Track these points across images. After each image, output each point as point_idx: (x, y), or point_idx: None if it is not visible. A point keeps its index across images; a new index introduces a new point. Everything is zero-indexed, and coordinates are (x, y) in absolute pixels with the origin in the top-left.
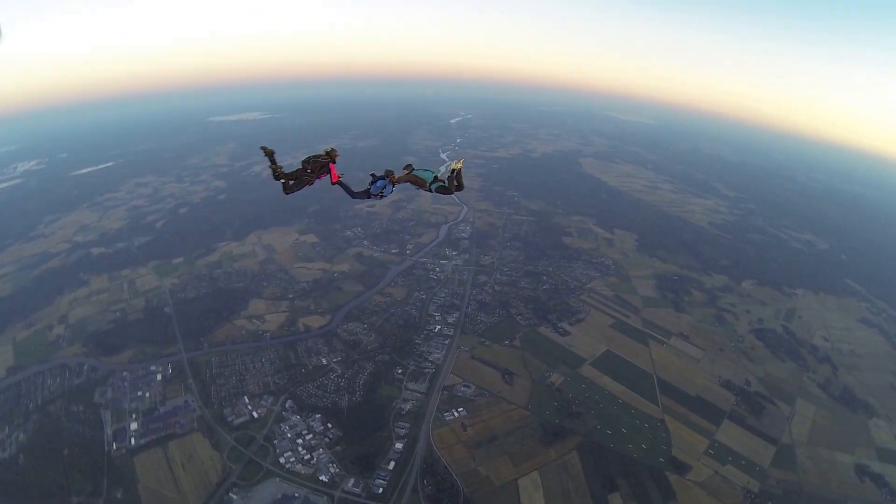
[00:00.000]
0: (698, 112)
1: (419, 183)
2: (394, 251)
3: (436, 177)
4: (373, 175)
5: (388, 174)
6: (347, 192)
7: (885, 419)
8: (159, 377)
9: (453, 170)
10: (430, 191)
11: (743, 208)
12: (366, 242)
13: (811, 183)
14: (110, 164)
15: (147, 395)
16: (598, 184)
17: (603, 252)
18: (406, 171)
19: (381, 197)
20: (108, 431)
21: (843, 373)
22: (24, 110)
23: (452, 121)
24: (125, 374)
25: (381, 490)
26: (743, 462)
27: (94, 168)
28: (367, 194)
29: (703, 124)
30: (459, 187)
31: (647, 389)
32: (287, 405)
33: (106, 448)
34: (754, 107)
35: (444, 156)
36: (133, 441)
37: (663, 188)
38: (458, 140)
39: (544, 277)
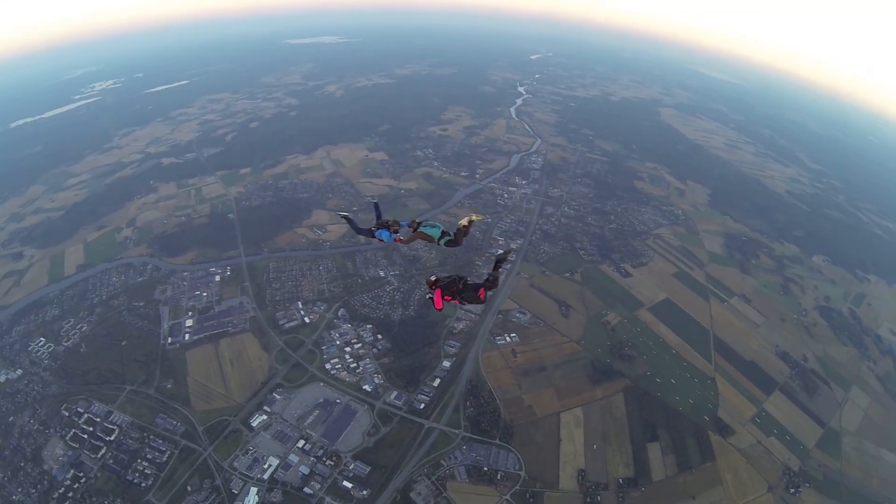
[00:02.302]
0: (791, 79)
1: (428, 239)
2: (463, 174)
3: (443, 231)
4: (375, 204)
5: (393, 224)
6: (353, 227)
7: None
8: (217, 278)
9: (463, 225)
10: (439, 244)
11: (825, 183)
12: (435, 163)
13: None
14: (184, 82)
15: (204, 294)
16: (675, 135)
17: (673, 201)
18: (413, 229)
19: (381, 241)
20: (165, 326)
21: None
22: (102, 35)
23: (532, 57)
24: (185, 273)
25: (422, 406)
26: (787, 437)
27: (168, 86)
28: (370, 233)
29: (795, 92)
30: (465, 235)
31: (702, 345)
32: (339, 313)
33: (161, 342)
34: (853, 83)
35: (521, 89)
36: (187, 336)
37: (744, 149)
38: (537, 75)
39: (612, 217)
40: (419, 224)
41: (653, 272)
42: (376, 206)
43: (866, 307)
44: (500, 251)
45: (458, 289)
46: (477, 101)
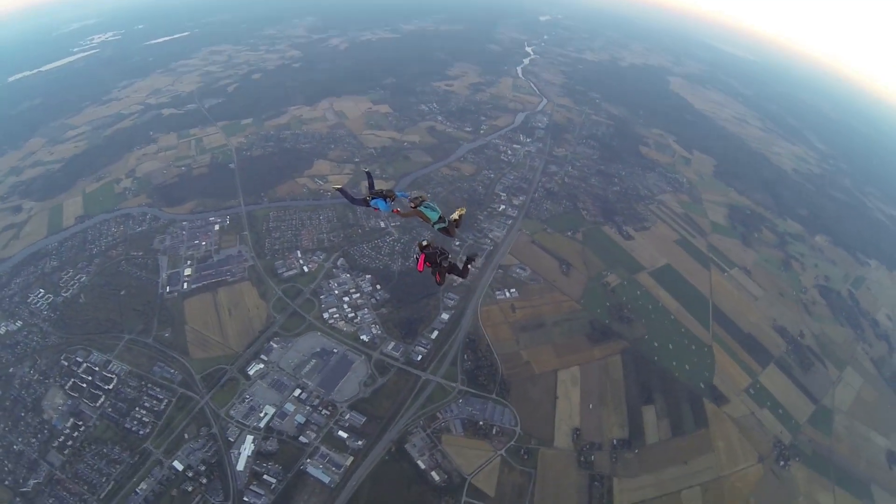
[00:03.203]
0: (806, 59)
1: (424, 218)
2: (467, 129)
3: (441, 217)
4: (368, 173)
5: (388, 194)
6: (347, 199)
7: None
8: (217, 227)
9: (454, 219)
10: (432, 228)
11: (832, 164)
12: (440, 118)
13: None
14: (186, 33)
15: (203, 243)
16: (684, 104)
17: (678, 169)
18: (413, 205)
19: (377, 210)
20: (163, 276)
21: None
22: None
23: (542, 18)
24: (184, 223)
25: (419, 357)
26: (780, 411)
27: (169, 38)
28: (365, 203)
29: (808, 73)
30: (457, 227)
31: (701, 313)
32: (339, 263)
33: (159, 291)
34: (871, 69)
35: (529, 49)
36: (185, 285)
37: (752, 123)
38: (546, 37)
39: (615, 180)
40: (420, 202)
41: (655, 237)
42: (369, 175)
43: (865, 291)
44: (475, 254)
45: (436, 262)
46: (483, 59)
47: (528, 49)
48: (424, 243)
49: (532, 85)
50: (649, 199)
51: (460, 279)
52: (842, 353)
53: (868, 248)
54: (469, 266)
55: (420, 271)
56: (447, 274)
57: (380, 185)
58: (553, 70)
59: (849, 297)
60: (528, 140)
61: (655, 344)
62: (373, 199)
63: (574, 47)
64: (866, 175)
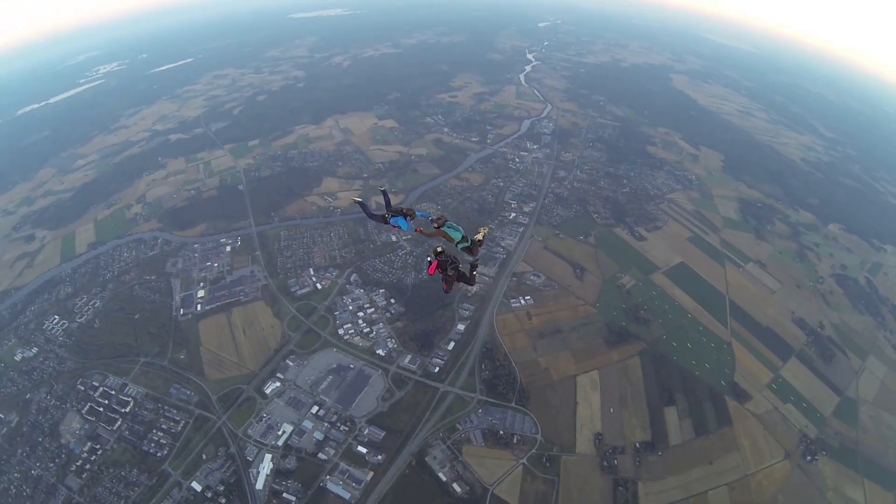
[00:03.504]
0: (806, 48)
1: (448, 238)
2: (474, 139)
3: (464, 236)
4: (384, 192)
5: (409, 212)
6: (366, 212)
7: None
8: (228, 249)
9: (478, 239)
10: (456, 248)
11: (840, 151)
12: (445, 129)
13: None
14: (189, 60)
15: (215, 265)
16: (687, 101)
17: (686, 167)
18: (437, 226)
19: (395, 227)
20: (177, 298)
21: None
22: (104, 21)
23: (541, 24)
24: (196, 246)
25: (437, 369)
26: (804, 405)
27: (173, 65)
28: (383, 219)
29: (809, 60)
30: (481, 246)
31: (718, 309)
32: (352, 279)
33: (174, 313)
34: (868, 53)
35: (530, 56)
36: (199, 307)
37: (757, 115)
38: (546, 43)
39: (624, 181)
40: (443, 223)
41: (667, 236)
42: (384, 193)
43: (883, 277)
44: (477, 260)
45: (446, 268)
46: (486, 69)
47: (530, 56)
48: (439, 250)
49: (535, 91)
50: (659, 198)
51: (471, 288)
52: (863, 341)
53: (883, 233)
54: (475, 273)
55: (430, 274)
56: (456, 282)
57: (391, 199)
58: (555, 75)
59: (866, 285)
60: (534, 146)
61: (674, 344)
62: (392, 216)
63: (575, 51)
64: (875, 160)
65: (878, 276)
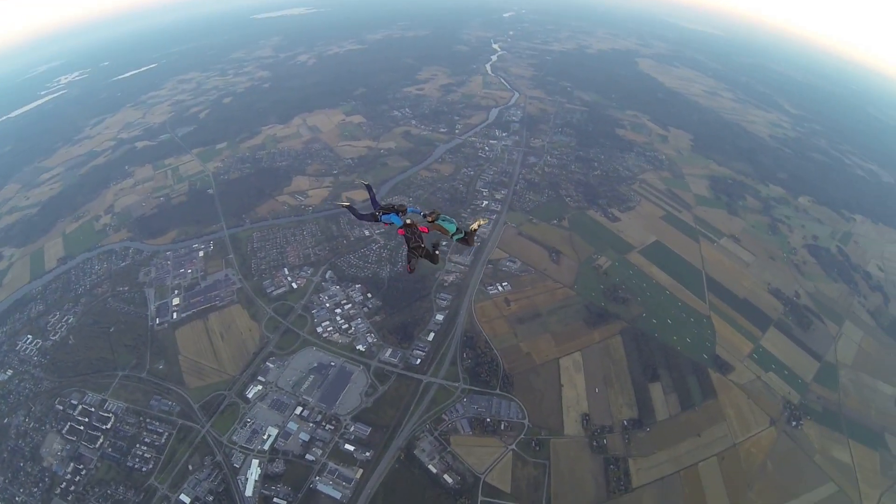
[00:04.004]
0: (769, 30)
1: (443, 232)
2: (442, 130)
3: (458, 228)
4: (368, 186)
5: (400, 208)
6: (355, 214)
7: None
8: (201, 254)
9: (473, 229)
10: (451, 240)
11: (806, 127)
12: (413, 122)
13: (883, 117)
14: (153, 65)
15: (189, 271)
16: (654, 83)
17: (656, 147)
18: (430, 219)
19: (387, 225)
20: (152, 308)
21: (894, 305)
22: (63, 30)
23: (505, 14)
24: (168, 253)
25: (418, 361)
26: (786, 372)
27: (136, 71)
28: (374, 218)
29: (773, 42)
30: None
31: (695, 285)
32: (327, 276)
33: (149, 324)
34: (830, 32)
35: (496, 46)
36: (175, 315)
37: (723, 95)
38: (511, 32)
39: (595, 164)
40: (437, 216)
41: (641, 216)
42: (369, 188)
43: (854, 245)
44: (439, 241)
45: (410, 241)
46: (452, 60)
47: (495, 46)
48: (409, 222)
49: (502, 80)
50: (631, 179)
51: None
52: (838, 308)
53: (851, 203)
54: (437, 252)
55: (401, 234)
56: (419, 258)
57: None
58: (522, 64)
59: (838, 253)
60: (504, 134)
61: (654, 321)
62: (384, 214)
63: (540, 39)
64: (841, 134)
65: (848, 244)
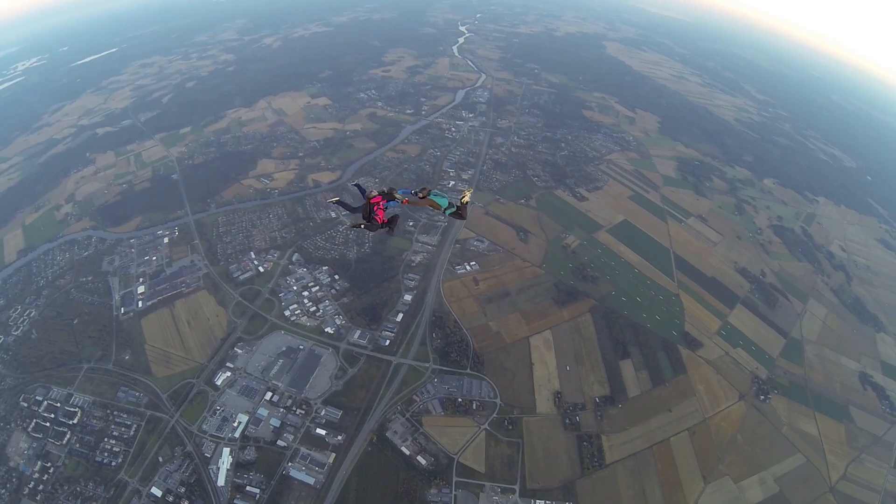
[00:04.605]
0: (736, 17)
1: (435, 206)
2: (408, 111)
3: (450, 203)
4: (357, 185)
5: (391, 194)
6: (347, 209)
7: (893, 336)
8: (166, 240)
9: (464, 202)
10: (444, 214)
11: (772, 112)
12: (380, 104)
13: (846, 105)
14: (113, 50)
15: (154, 258)
16: (622, 66)
17: (624, 129)
18: (422, 196)
19: (385, 210)
20: (116, 297)
21: (856, 284)
22: (22, 14)
23: None
24: (132, 241)
25: (387, 342)
26: (753, 348)
27: (96, 56)
28: (366, 213)
29: (740, 29)
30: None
31: (664, 263)
32: (294, 258)
33: (114, 313)
34: (797, 22)
35: (463, 28)
36: (140, 304)
37: (690, 80)
38: (479, 15)
39: (562, 144)
40: (428, 192)
41: (608, 195)
42: (358, 186)
43: (817, 226)
44: (397, 215)
45: (366, 215)
46: (418, 42)
47: (462, 28)
48: (374, 193)
49: (469, 62)
50: (598, 159)
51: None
52: (803, 286)
53: (814, 186)
54: (394, 225)
55: (405, 204)
56: (379, 229)
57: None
58: (489, 46)
59: (802, 234)
60: (470, 115)
61: (623, 299)
62: (387, 202)
63: (508, 22)
64: (805, 120)
65: (812, 225)
